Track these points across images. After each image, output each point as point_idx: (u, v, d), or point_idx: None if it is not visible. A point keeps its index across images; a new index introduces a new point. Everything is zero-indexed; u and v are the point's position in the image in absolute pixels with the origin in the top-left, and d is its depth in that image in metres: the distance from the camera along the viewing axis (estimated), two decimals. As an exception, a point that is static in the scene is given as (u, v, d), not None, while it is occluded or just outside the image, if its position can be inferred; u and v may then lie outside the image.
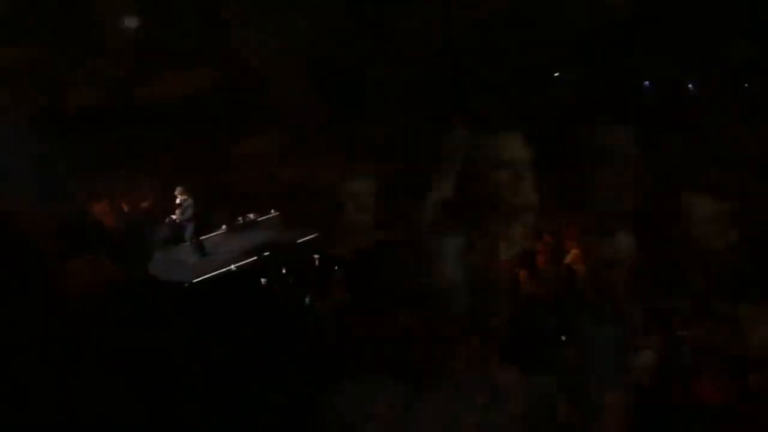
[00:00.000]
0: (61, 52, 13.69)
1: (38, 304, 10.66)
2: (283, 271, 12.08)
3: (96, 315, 10.66)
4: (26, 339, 9.74)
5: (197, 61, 15.43)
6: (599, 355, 8.14)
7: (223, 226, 15.29)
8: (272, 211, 15.89)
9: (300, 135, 16.73)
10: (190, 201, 13.20)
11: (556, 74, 16.25)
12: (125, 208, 14.54)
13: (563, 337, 8.58)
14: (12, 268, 11.00)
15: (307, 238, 14.09)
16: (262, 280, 11.71)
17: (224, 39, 15.01)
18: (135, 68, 14.65)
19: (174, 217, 13.30)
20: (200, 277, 12.81)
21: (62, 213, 13.27)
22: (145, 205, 14.61)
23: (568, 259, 10.51)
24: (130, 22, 14.12)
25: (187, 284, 12.45)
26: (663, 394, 7.11)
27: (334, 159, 16.68)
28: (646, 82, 14.57)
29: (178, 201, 13.33)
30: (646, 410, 6.94)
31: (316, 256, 12.71)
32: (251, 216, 15.69)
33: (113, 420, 8.47)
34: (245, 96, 15.53)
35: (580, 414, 7.25)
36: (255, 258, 13.42)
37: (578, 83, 15.71)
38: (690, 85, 13.84)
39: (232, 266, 13.10)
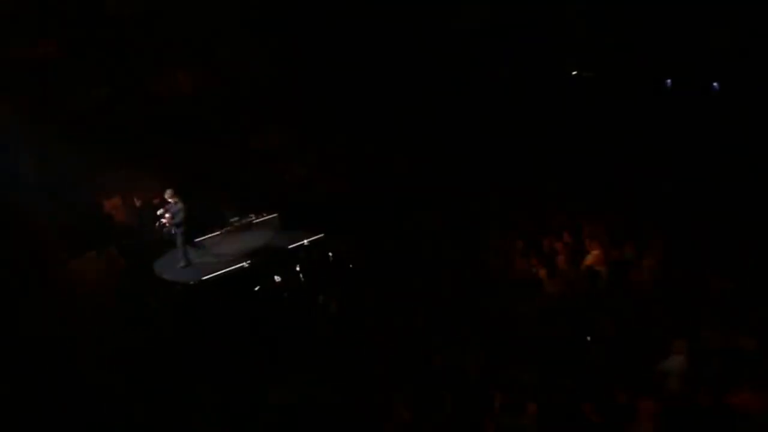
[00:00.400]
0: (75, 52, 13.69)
1: (49, 298, 10.51)
2: (297, 268, 11.87)
3: (107, 310, 10.53)
4: (37, 333, 9.60)
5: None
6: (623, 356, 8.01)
7: (225, 228, 15.07)
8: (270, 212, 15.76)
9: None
10: (180, 205, 12.69)
11: (574, 72, 16.24)
12: (137, 203, 14.39)
13: (588, 338, 8.40)
14: (24, 263, 10.87)
15: (314, 237, 13.89)
16: (276, 278, 11.47)
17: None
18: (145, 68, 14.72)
19: (164, 221, 12.86)
20: (209, 275, 12.66)
21: (74, 209, 13.31)
22: (156, 201, 14.48)
23: (589, 260, 10.27)
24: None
25: (197, 282, 12.25)
26: (693, 400, 6.90)
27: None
28: (668, 81, 14.43)
29: (159, 211, 12.98)
30: (676, 416, 6.74)
31: (329, 254, 12.52)
32: (254, 216, 15.50)
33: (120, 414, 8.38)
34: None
35: (606, 416, 7.05)
36: (266, 256, 13.23)
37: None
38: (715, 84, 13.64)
39: (244, 263, 12.91)
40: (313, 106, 16.14)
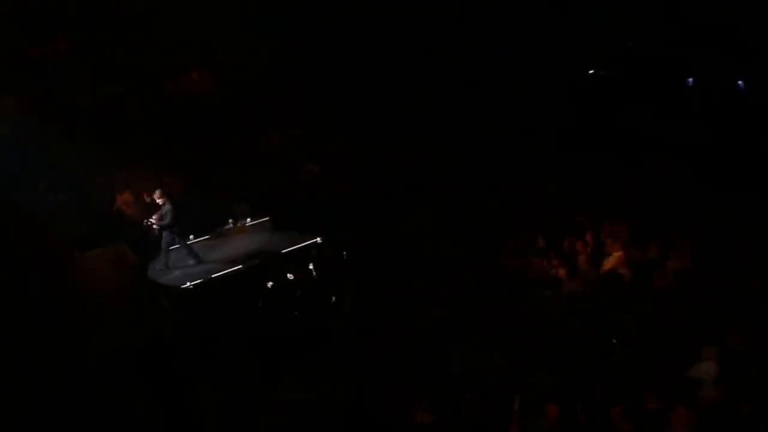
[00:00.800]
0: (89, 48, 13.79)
1: (58, 294, 10.41)
2: (310, 267, 11.66)
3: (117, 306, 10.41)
4: (43, 330, 9.42)
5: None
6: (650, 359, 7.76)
7: (216, 232, 14.81)
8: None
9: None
10: (169, 206, 12.43)
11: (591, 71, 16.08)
12: (147, 199, 14.20)
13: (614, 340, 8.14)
14: (33, 259, 10.80)
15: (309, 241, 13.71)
16: (290, 275, 11.25)
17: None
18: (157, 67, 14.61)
19: (152, 221, 12.58)
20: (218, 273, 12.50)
21: (84, 205, 13.46)
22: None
23: (611, 262, 9.98)
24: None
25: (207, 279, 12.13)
26: (730, 408, 6.66)
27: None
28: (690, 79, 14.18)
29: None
30: (713, 425, 6.50)
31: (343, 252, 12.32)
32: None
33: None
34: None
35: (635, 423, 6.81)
36: (258, 260, 13.04)
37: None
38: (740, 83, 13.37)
39: (239, 267, 12.76)
40: (315, 106, 16.01)
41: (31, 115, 12.96)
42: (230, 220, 14.94)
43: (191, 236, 14.03)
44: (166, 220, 12.43)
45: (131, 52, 14.42)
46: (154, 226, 12.57)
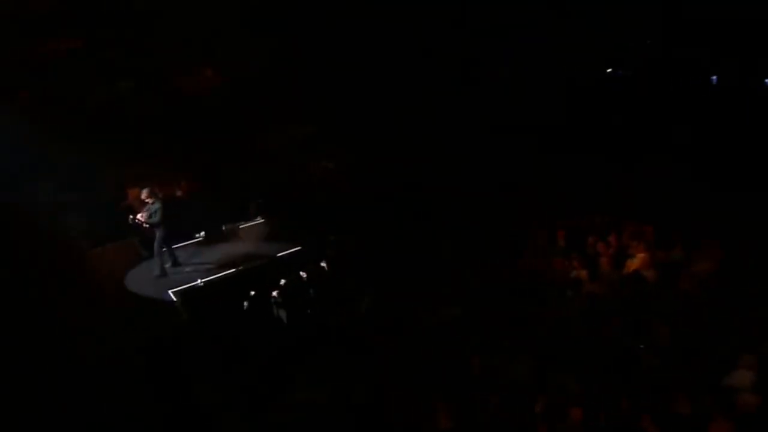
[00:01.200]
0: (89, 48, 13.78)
1: (68, 289, 10.26)
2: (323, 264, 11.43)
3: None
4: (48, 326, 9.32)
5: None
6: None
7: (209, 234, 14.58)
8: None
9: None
10: (158, 204, 12.12)
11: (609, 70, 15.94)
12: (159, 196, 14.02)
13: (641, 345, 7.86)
14: (42, 255, 10.72)
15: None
16: (302, 273, 11.02)
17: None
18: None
19: (140, 218, 12.24)
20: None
21: (94, 201, 13.36)
22: (178, 193, 14.31)
23: (635, 263, 9.72)
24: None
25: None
26: (763, 416, 6.42)
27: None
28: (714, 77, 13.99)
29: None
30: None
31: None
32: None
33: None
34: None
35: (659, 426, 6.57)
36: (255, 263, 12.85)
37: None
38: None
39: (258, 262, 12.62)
40: (316, 106, 15.88)
41: (31, 115, 12.89)
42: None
43: (200, 234, 13.92)
44: (155, 219, 12.13)
45: (131, 52, 14.37)
46: (145, 225, 12.29)
